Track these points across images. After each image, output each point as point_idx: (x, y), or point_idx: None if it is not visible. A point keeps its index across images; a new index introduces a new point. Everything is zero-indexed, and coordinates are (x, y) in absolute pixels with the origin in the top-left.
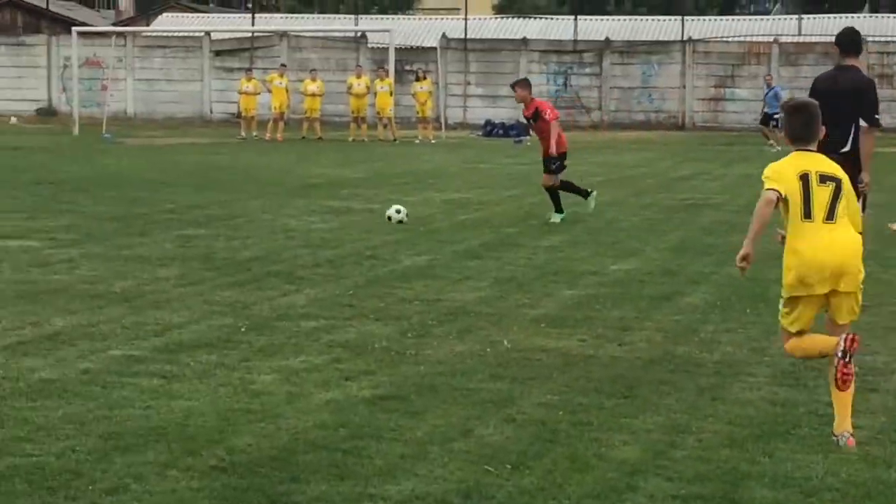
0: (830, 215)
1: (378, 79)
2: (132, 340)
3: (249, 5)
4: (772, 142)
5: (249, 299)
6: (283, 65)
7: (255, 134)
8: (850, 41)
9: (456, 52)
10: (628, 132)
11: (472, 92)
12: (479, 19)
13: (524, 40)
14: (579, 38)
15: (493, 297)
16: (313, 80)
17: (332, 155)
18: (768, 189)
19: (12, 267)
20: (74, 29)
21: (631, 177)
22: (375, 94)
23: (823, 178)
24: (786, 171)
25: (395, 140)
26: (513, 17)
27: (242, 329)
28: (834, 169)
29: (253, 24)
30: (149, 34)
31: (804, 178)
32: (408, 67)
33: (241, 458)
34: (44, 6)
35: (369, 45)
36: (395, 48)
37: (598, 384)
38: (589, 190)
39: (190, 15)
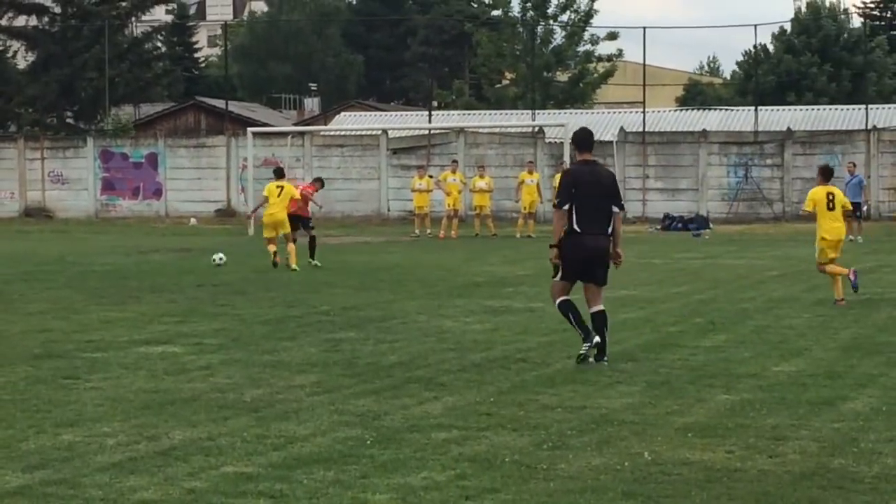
0: None
1: (558, 173)
2: (249, 456)
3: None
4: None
5: (383, 408)
6: (454, 161)
7: (429, 231)
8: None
9: (634, 145)
10: (812, 224)
11: (650, 185)
12: (658, 112)
13: (704, 132)
14: (760, 128)
15: (641, 404)
16: (481, 176)
17: (503, 252)
18: None
19: (147, 375)
20: (250, 130)
21: (806, 271)
22: (554, 187)
23: None
24: None
25: None
26: (692, 110)
27: (368, 441)
28: None
29: (430, 121)
30: (326, 133)
31: None
32: None
33: None
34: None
35: (547, 140)
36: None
37: (742, 503)
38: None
39: (368, 114)
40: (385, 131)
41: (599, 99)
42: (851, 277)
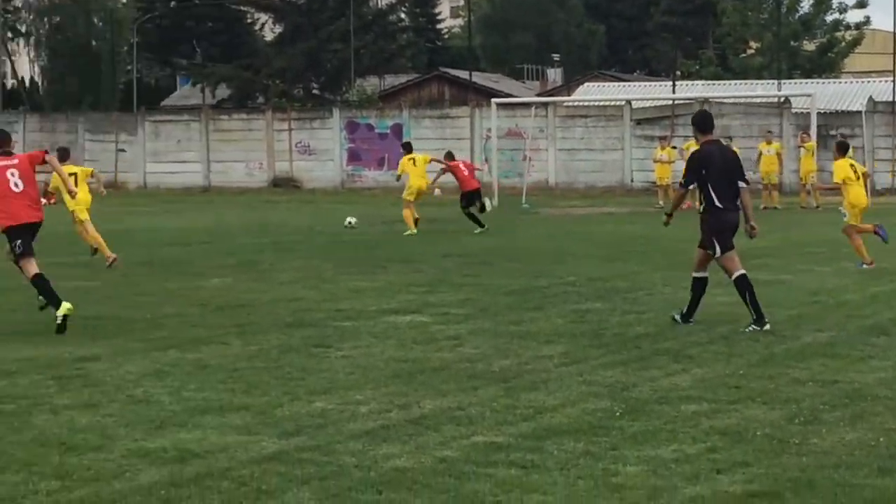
0: None
1: (802, 143)
2: (500, 425)
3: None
4: None
5: (631, 380)
6: None
7: None
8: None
9: (883, 115)
10: None
11: None
12: None
13: None
14: None
15: (894, 379)
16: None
17: None
18: None
19: (397, 344)
20: (494, 101)
21: None
22: (799, 159)
23: None
24: None
25: (817, 206)
26: None
27: (618, 413)
28: None
29: (674, 92)
30: (570, 104)
31: None
32: (832, 132)
33: None
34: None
35: (793, 111)
36: (820, 113)
37: None
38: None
39: (611, 84)
40: (629, 102)
41: (847, 68)
42: (881, 232)
